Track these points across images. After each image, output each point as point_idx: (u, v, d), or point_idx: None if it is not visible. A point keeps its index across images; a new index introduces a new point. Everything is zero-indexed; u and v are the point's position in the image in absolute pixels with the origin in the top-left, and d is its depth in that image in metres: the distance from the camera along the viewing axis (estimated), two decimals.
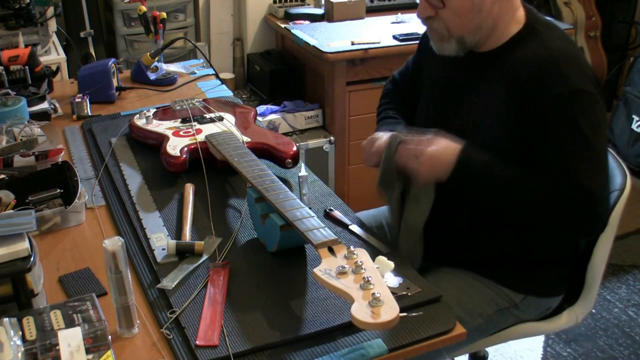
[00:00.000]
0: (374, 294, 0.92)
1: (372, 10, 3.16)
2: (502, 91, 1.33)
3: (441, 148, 1.31)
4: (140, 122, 1.71)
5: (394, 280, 1.15)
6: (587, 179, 1.22)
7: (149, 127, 1.67)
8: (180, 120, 1.70)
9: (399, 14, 3.06)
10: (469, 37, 1.34)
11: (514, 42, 1.35)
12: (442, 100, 1.49)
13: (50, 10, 2.44)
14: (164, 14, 2.20)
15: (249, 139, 1.58)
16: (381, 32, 2.84)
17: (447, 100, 1.47)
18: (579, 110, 1.25)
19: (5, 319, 0.98)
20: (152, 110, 1.76)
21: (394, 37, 2.76)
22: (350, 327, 1.05)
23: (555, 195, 1.25)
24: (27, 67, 1.92)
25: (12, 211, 1.29)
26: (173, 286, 1.16)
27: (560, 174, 1.25)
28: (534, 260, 1.43)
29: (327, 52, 2.62)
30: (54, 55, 2.48)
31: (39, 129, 1.65)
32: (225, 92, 2.09)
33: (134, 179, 1.53)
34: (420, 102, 1.57)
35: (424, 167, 1.31)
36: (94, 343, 0.98)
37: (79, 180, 1.42)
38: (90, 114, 1.90)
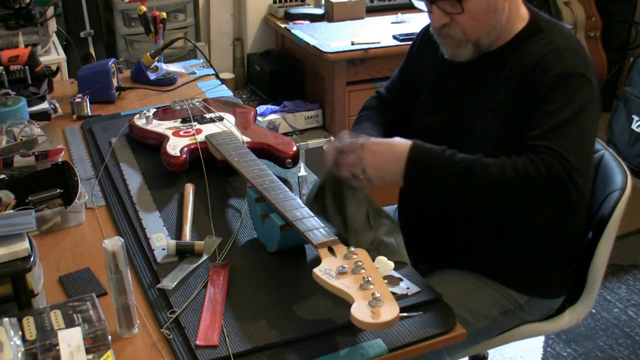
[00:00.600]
0: (374, 294, 0.92)
1: (372, 10, 3.16)
2: (508, 88, 1.32)
3: (384, 142, 1.25)
4: (140, 122, 1.71)
5: (402, 286, 1.12)
6: (563, 149, 1.17)
7: (149, 127, 1.67)
8: (180, 120, 1.70)
9: (399, 14, 3.07)
10: (485, 39, 1.33)
11: (519, 39, 1.35)
12: (445, 104, 1.45)
13: (50, 10, 2.44)
14: (164, 14, 2.20)
15: (249, 139, 1.57)
16: (381, 32, 2.84)
17: (449, 104, 1.43)
18: (575, 89, 1.23)
19: (5, 319, 0.98)
20: (152, 110, 1.76)
21: (394, 37, 2.76)
22: (350, 327, 1.04)
23: (529, 163, 1.16)
24: (27, 67, 1.92)
25: (12, 211, 1.29)
26: (173, 286, 1.16)
27: (537, 141, 1.19)
28: (538, 260, 1.42)
29: (327, 52, 2.62)
30: (54, 55, 2.48)
31: (39, 129, 1.65)
32: (225, 92, 2.09)
33: (134, 179, 1.53)
34: (418, 110, 1.53)
35: (369, 166, 1.23)
36: (94, 343, 0.98)
37: (79, 180, 1.42)
38: (90, 114, 1.90)
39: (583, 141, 1.21)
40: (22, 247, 1.06)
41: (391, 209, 1.65)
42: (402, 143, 1.24)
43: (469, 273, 1.44)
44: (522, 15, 1.37)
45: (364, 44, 2.68)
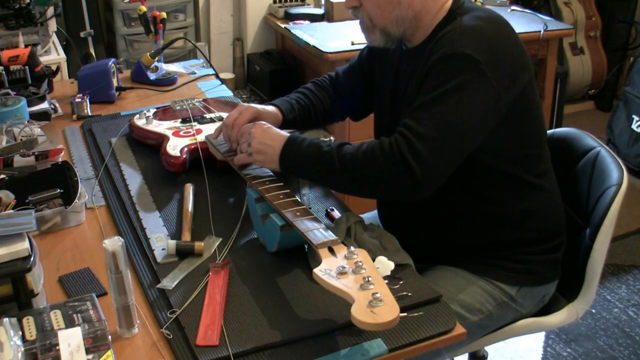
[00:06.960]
0: (374, 294, 0.92)
1: None
2: (417, 83, 1.32)
3: (274, 128, 1.35)
4: (140, 122, 1.71)
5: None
6: (417, 126, 1.19)
7: (149, 127, 1.67)
8: (180, 120, 1.70)
9: None
10: (392, 28, 1.35)
11: (436, 32, 1.34)
12: (381, 101, 1.52)
13: (50, 10, 2.44)
14: (164, 14, 2.20)
15: None
16: None
17: (384, 101, 1.49)
18: (454, 69, 1.22)
19: (5, 319, 0.98)
20: (152, 110, 1.76)
21: None
22: (350, 327, 1.05)
23: (378, 144, 1.22)
24: (27, 67, 1.92)
25: (12, 211, 1.29)
26: (173, 286, 1.16)
27: (403, 120, 1.22)
28: (518, 249, 1.42)
29: (327, 52, 2.62)
30: (54, 55, 2.48)
31: (39, 129, 1.65)
32: (225, 92, 2.09)
33: (134, 179, 1.53)
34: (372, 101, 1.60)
35: (256, 139, 1.33)
36: (94, 343, 0.98)
37: (79, 180, 1.42)
38: (90, 114, 1.90)
39: (446, 119, 1.21)
40: (22, 247, 1.06)
41: (372, 215, 1.65)
42: (285, 132, 1.35)
43: (459, 269, 1.44)
44: (445, 9, 1.35)
45: (364, 44, 2.67)
